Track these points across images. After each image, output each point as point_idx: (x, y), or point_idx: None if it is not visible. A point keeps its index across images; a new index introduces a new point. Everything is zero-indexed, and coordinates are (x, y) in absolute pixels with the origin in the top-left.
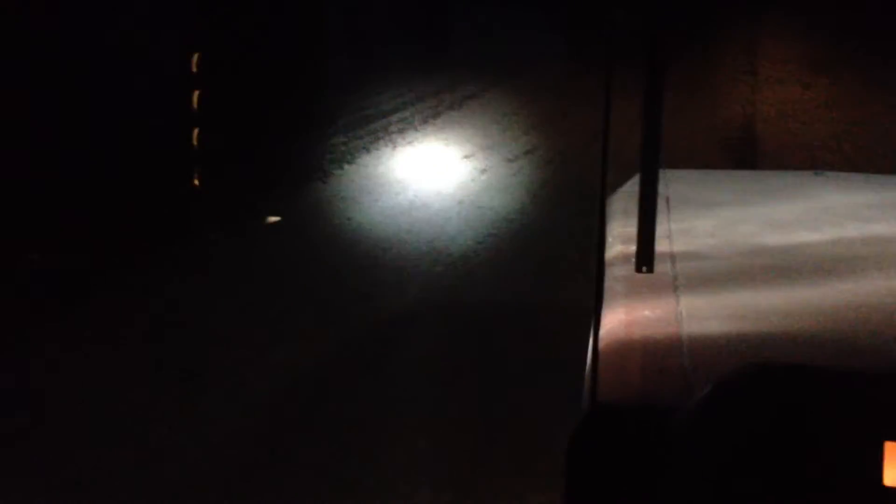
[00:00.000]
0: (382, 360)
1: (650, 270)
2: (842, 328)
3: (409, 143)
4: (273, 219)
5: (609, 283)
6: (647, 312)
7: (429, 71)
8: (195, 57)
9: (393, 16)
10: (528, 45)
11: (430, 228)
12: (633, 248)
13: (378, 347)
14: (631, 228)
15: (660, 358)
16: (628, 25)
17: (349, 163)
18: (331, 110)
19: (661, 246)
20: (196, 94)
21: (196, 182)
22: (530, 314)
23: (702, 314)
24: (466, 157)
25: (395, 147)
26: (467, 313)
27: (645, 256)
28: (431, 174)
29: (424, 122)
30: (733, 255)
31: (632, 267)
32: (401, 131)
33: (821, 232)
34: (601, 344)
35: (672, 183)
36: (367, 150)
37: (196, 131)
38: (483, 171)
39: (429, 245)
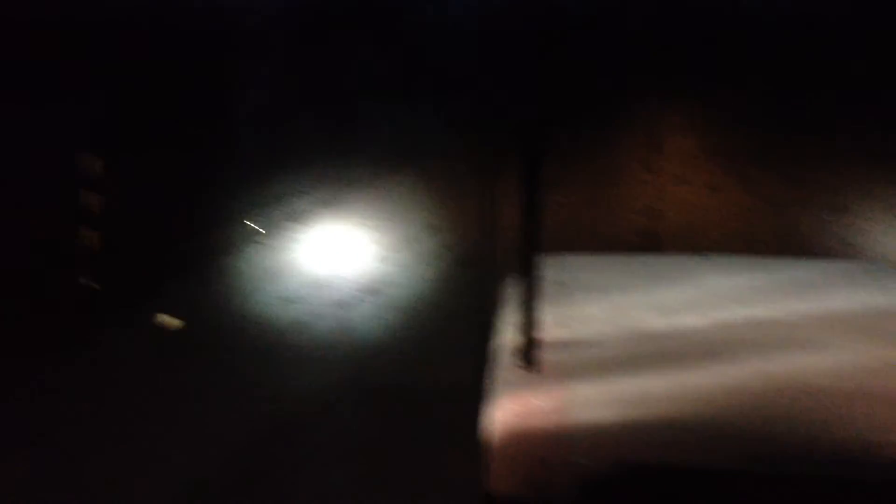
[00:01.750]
0: None
1: (534, 369)
2: (721, 414)
3: (218, 271)
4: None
5: (501, 373)
6: (537, 402)
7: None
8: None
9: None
10: (403, 145)
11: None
12: (525, 335)
13: None
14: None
15: (549, 448)
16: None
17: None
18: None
19: (554, 332)
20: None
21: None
22: None
23: (590, 402)
24: (292, 300)
25: (184, 284)
26: None
27: (527, 356)
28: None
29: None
30: (622, 342)
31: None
32: (207, 257)
33: (706, 316)
34: (492, 435)
35: (570, 269)
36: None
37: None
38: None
39: None
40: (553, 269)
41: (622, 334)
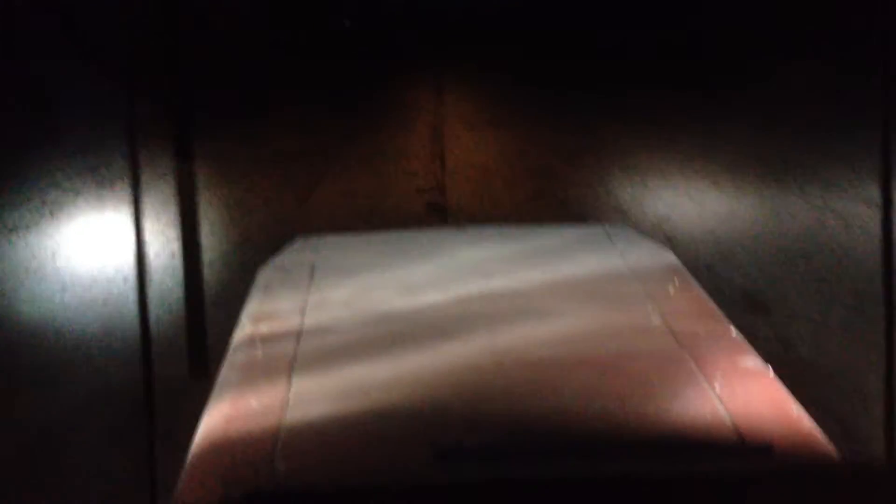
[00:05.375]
0: None
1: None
2: (437, 397)
3: None
4: None
5: (225, 371)
6: (253, 402)
7: None
8: None
9: None
10: None
11: None
12: (262, 328)
13: None
14: (268, 306)
15: (248, 460)
16: None
17: None
18: None
19: (292, 321)
20: None
21: None
22: None
23: (310, 397)
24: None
25: None
26: None
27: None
28: None
29: None
30: (359, 326)
31: (256, 350)
32: None
33: (446, 291)
34: (191, 450)
35: (325, 249)
36: None
37: None
38: None
39: None
40: (304, 252)
41: (360, 318)
